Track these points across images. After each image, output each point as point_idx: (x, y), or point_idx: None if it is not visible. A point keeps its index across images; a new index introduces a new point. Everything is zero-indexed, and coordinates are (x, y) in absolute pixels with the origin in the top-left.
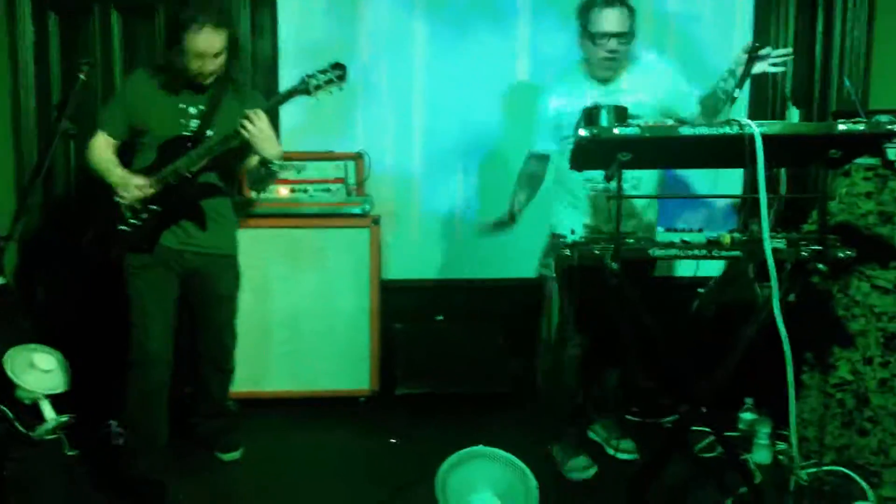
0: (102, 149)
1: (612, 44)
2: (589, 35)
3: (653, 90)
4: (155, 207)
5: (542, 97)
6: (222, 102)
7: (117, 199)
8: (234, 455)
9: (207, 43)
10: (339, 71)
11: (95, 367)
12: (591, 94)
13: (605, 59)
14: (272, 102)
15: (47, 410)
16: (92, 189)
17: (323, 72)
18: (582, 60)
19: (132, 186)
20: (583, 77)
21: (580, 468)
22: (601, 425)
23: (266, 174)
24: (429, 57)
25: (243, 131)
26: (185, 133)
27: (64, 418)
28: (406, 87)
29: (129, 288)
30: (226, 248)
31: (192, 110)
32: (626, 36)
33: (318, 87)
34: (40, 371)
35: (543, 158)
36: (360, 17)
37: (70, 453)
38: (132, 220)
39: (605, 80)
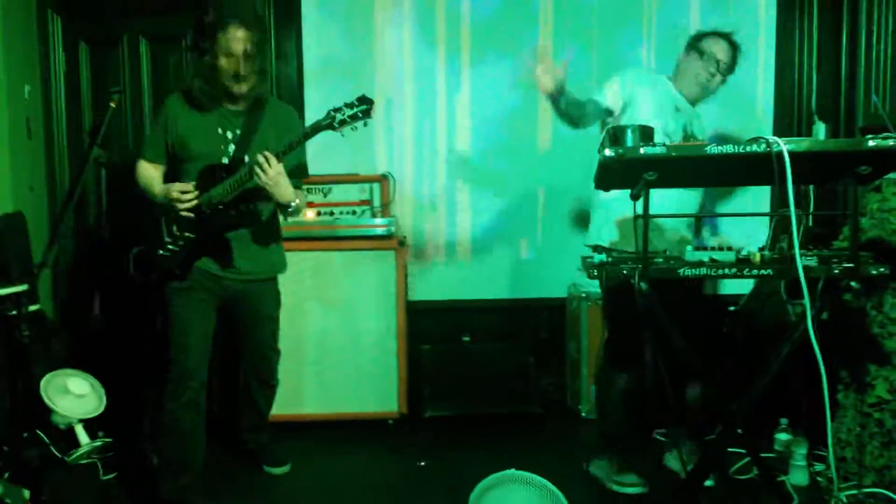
0: (147, 168)
1: (713, 68)
2: (699, 50)
3: None
4: (190, 235)
5: None
6: (258, 126)
7: (179, 211)
8: (285, 469)
9: (240, 41)
10: (365, 105)
11: (132, 389)
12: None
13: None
14: (296, 139)
15: (81, 435)
16: (125, 214)
17: (349, 105)
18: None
19: (174, 192)
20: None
21: (628, 484)
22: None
23: (285, 213)
24: (449, 79)
25: (256, 178)
26: (224, 158)
27: (98, 443)
28: (429, 106)
29: (170, 308)
30: (266, 272)
31: (230, 135)
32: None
33: (343, 123)
34: (74, 396)
35: None
36: (379, 37)
37: (105, 478)
38: (170, 246)
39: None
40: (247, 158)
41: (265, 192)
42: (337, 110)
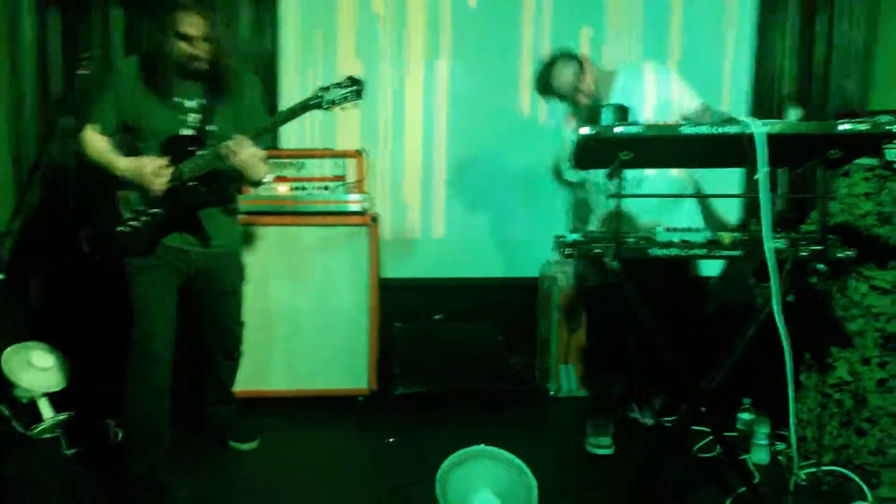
0: (97, 140)
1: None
2: None
3: None
4: (157, 210)
5: None
6: (223, 94)
7: (150, 189)
8: (252, 445)
9: (192, 26)
10: (356, 87)
11: (95, 364)
12: None
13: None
14: (281, 117)
15: (45, 409)
16: (92, 185)
17: (338, 85)
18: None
19: (149, 170)
20: None
21: (602, 445)
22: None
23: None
24: (428, 56)
25: (227, 160)
26: (185, 130)
27: (62, 416)
28: (408, 84)
29: (132, 287)
30: (230, 245)
31: (190, 103)
32: None
33: (333, 103)
34: (38, 369)
35: None
36: (357, 11)
37: (68, 452)
38: (132, 223)
39: None
40: (214, 128)
41: (234, 171)
42: (325, 89)
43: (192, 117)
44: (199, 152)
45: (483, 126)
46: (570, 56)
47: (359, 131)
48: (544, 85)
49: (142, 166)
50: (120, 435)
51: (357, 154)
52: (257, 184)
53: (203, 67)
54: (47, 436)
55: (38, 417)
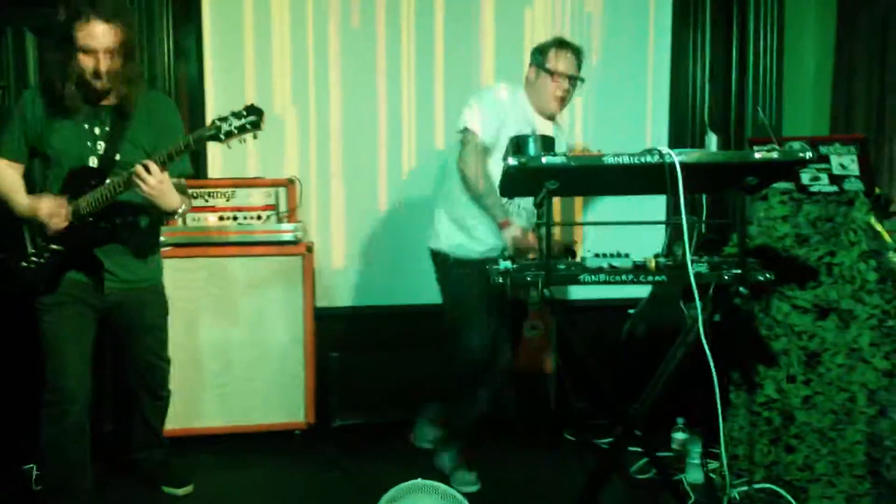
0: (4, 173)
1: (564, 84)
2: (548, 71)
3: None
4: (57, 247)
5: (495, 92)
6: (130, 121)
7: (45, 227)
8: (187, 489)
9: (97, 37)
10: (254, 117)
11: (10, 408)
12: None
13: (558, 98)
14: (174, 151)
15: None
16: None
17: (237, 115)
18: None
19: (44, 210)
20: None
21: (468, 482)
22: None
23: (169, 219)
24: (350, 79)
25: (136, 188)
26: (92, 157)
27: None
28: (334, 109)
29: (41, 325)
30: (147, 280)
31: (98, 130)
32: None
33: (230, 135)
34: None
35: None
36: (285, 38)
37: None
38: (34, 258)
39: (550, 117)
40: (118, 157)
41: (146, 201)
42: (223, 119)
43: (100, 145)
44: (99, 186)
45: (416, 147)
46: None
47: (291, 158)
48: None
49: (38, 207)
50: (38, 486)
51: (289, 182)
52: (171, 214)
53: (108, 86)
54: None
55: None
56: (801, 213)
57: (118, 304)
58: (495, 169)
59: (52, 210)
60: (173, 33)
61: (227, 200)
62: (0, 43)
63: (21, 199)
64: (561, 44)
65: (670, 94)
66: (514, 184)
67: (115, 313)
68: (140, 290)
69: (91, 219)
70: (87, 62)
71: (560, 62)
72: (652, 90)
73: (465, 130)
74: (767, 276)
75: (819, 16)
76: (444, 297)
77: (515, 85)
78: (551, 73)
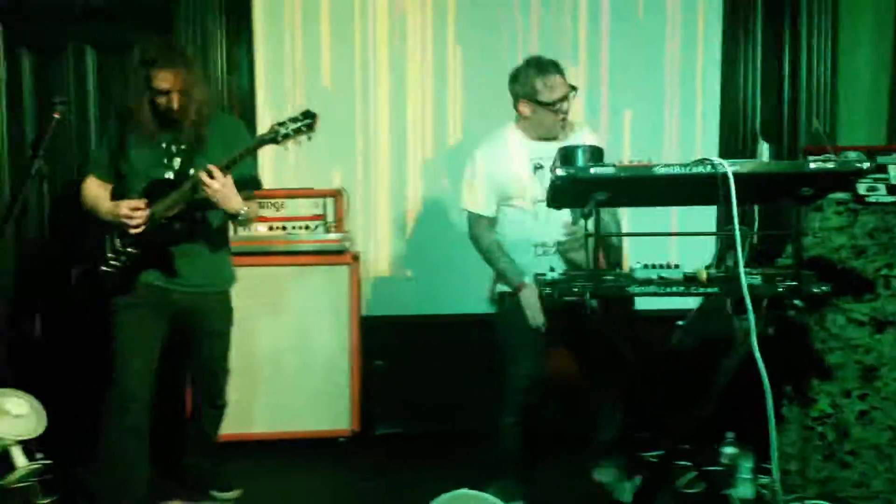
0: (93, 187)
1: (564, 106)
2: (544, 104)
3: None
4: (133, 250)
5: (484, 159)
6: (204, 140)
7: (128, 229)
8: (234, 494)
9: (168, 80)
10: (309, 120)
11: (74, 409)
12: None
13: (560, 120)
14: (238, 155)
15: (18, 457)
16: (69, 229)
17: (293, 120)
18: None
19: (123, 210)
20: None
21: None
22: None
23: (236, 223)
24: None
25: (201, 191)
26: (168, 173)
27: (36, 465)
28: (384, 119)
29: (114, 325)
30: (217, 285)
31: (174, 148)
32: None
33: (286, 137)
34: (12, 416)
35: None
36: (332, 47)
37: (43, 501)
38: (113, 262)
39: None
40: (191, 171)
41: (212, 204)
42: (280, 124)
43: (176, 161)
44: (171, 194)
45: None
46: None
47: (339, 169)
48: None
49: (119, 206)
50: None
51: (337, 193)
52: (234, 217)
53: (180, 117)
54: (21, 485)
55: (10, 466)
56: (858, 223)
57: (188, 308)
58: (508, 227)
59: (129, 211)
60: (227, 47)
61: (277, 211)
62: (61, 59)
63: (105, 204)
64: (541, 69)
65: (721, 102)
66: (561, 195)
67: (184, 317)
68: (210, 294)
69: (164, 221)
70: (160, 100)
71: (554, 91)
72: (701, 98)
73: (467, 212)
74: (823, 288)
75: (875, 23)
76: (496, 329)
77: (503, 123)
78: (549, 104)
